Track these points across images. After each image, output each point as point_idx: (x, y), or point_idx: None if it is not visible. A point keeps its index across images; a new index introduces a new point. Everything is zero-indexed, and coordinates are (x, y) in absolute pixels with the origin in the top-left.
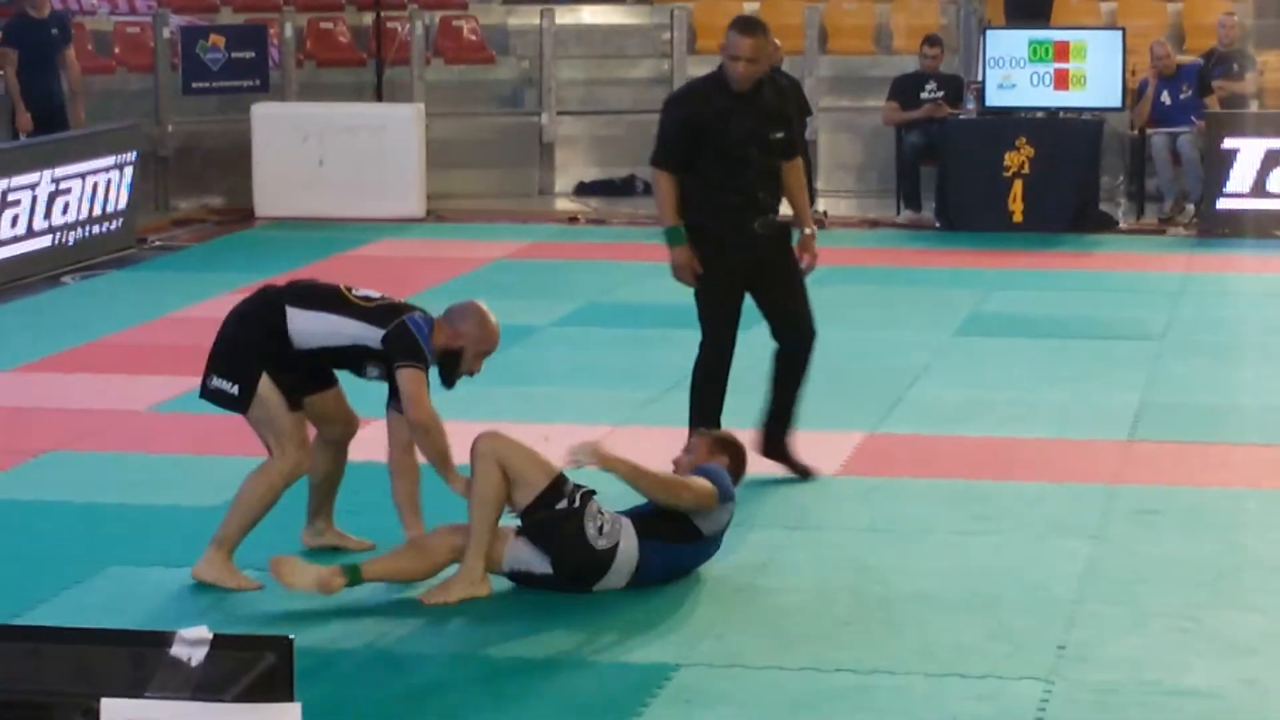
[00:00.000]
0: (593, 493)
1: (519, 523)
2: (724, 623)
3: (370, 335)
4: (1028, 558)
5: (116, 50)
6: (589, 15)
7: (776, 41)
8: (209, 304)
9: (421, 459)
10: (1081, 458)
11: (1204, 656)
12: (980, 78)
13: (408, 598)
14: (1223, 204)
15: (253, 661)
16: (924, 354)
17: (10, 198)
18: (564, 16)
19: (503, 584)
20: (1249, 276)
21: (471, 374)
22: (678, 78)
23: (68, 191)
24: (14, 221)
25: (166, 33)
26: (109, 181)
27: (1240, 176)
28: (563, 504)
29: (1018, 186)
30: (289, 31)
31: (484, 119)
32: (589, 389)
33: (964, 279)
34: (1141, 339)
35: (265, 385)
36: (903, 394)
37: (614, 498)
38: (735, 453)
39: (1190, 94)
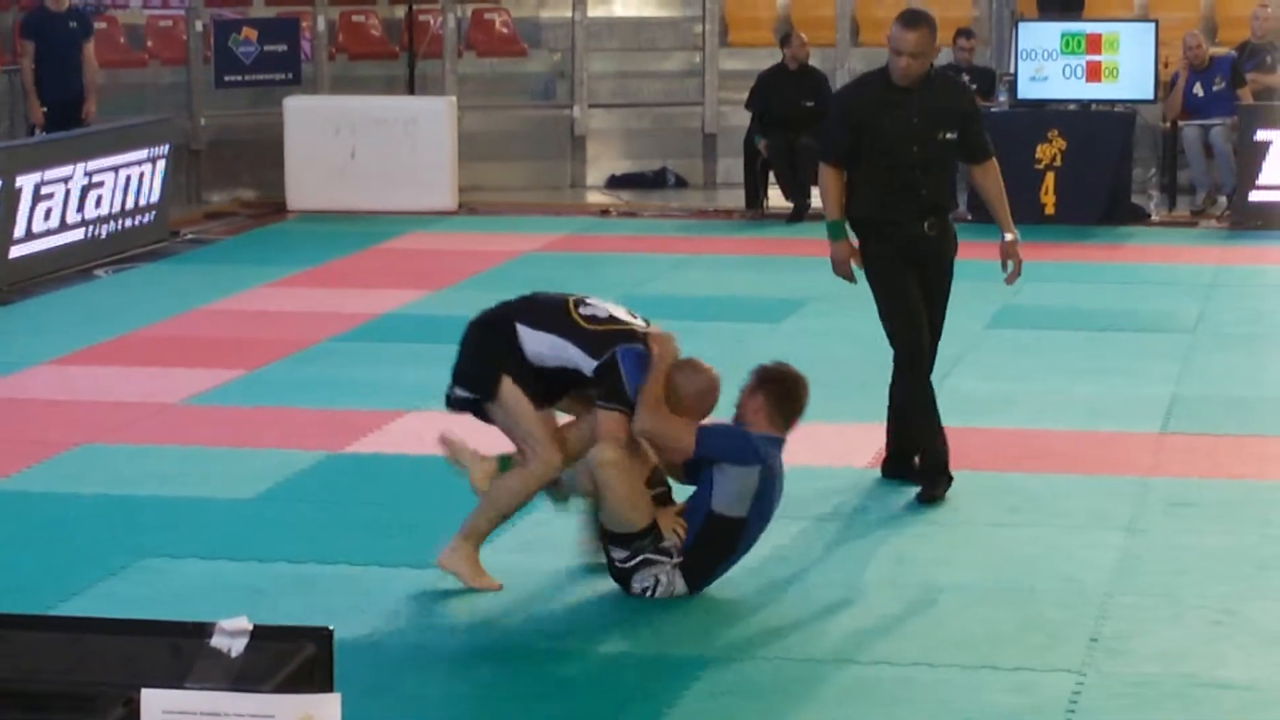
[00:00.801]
0: (663, 558)
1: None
2: (761, 614)
3: (586, 364)
4: (1061, 550)
5: (149, 44)
6: (620, 8)
7: (803, 36)
8: (241, 296)
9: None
10: (1114, 450)
11: (1240, 649)
12: (1012, 70)
13: (449, 588)
14: (1255, 196)
15: (293, 652)
16: (956, 346)
17: (44, 191)
18: (595, 9)
19: (544, 576)
20: None
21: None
22: (709, 70)
23: (100, 185)
24: (47, 215)
25: (199, 26)
26: (142, 175)
27: (1273, 169)
28: (621, 554)
29: (1050, 179)
30: (321, 25)
31: (516, 112)
32: None
33: (996, 271)
34: (1174, 331)
35: (508, 388)
36: (936, 386)
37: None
38: (775, 390)
39: (1223, 86)
